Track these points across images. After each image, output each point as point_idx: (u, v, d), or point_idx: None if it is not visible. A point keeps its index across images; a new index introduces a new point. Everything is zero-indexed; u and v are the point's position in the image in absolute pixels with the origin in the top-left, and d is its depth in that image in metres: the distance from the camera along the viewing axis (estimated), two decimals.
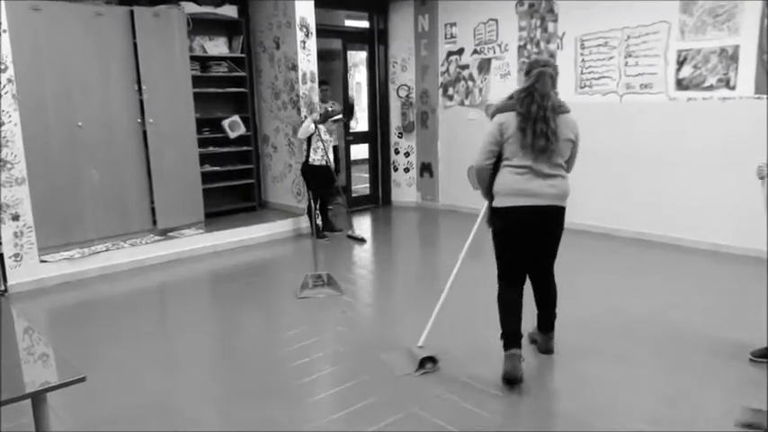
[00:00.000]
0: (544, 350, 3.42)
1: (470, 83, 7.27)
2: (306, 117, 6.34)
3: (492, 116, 3.11)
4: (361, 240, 6.48)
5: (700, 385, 3.01)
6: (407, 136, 8.10)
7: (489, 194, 3.14)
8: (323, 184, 6.33)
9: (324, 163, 6.21)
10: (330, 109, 6.67)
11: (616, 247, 5.71)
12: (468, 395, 2.97)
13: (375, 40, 8.03)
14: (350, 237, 6.58)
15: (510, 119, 2.97)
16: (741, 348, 3.28)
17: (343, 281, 4.76)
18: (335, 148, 6.91)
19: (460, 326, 3.80)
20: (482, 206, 3.46)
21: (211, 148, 6.65)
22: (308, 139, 6.16)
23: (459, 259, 3.40)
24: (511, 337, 3.10)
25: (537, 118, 2.89)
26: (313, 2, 6.43)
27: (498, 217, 3.08)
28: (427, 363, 3.24)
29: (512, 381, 3.03)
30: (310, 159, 6.18)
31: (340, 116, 6.59)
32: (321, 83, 7.41)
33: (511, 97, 3.05)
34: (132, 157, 5.62)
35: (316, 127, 6.06)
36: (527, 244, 3.10)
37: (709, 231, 5.37)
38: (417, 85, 7.93)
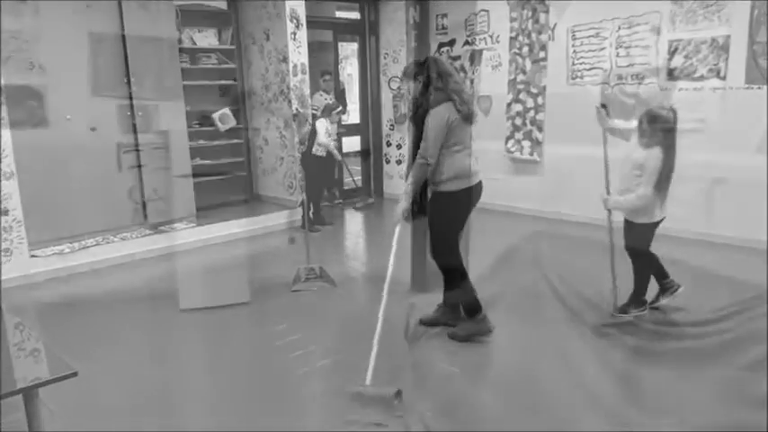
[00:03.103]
0: (486, 329, 3.47)
1: (461, 74, 7.25)
2: (296, 113, 6.35)
3: (417, 119, 3.27)
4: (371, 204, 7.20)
5: None
6: (399, 128, 8.08)
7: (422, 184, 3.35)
8: (324, 174, 6.48)
9: (324, 154, 6.26)
10: (329, 102, 6.71)
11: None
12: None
13: (366, 32, 7.99)
14: (362, 208, 7.10)
15: (447, 105, 3.16)
16: None
17: (336, 274, 4.75)
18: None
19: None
20: None
21: (202, 142, 6.60)
22: (313, 129, 6.20)
23: (390, 265, 3.37)
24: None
25: (458, 90, 3.19)
26: None
27: (456, 199, 3.28)
28: (395, 399, 2.84)
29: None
30: (313, 149, 6.18)
31: (340, 108, 6.64)
32: (324, 73, 7.40)
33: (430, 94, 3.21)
34: (122, 150, 5.56)
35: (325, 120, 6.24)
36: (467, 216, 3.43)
37: (701, 221, 5.38)
38: None
